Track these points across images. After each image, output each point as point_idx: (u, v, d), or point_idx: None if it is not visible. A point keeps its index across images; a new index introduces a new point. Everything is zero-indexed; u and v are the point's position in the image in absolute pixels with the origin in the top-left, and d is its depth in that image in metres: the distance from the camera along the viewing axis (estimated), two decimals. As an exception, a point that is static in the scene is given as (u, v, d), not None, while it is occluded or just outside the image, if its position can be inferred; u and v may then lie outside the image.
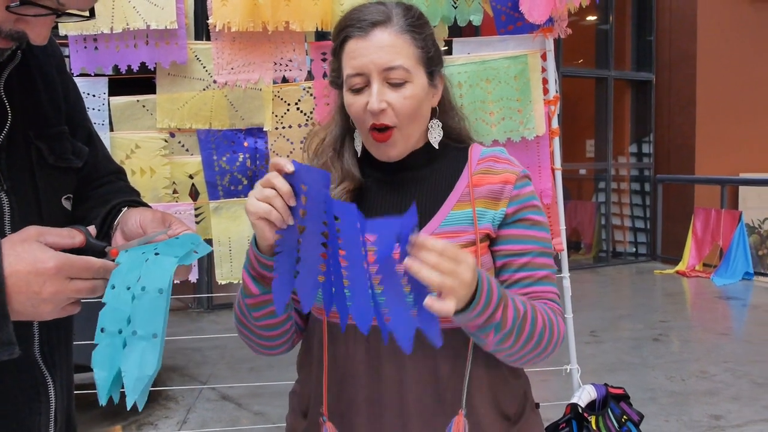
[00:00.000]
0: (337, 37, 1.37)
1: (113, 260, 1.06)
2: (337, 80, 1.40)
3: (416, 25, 1.35)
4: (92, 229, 1.11)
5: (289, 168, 1.13)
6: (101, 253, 1.10)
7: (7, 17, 1.05)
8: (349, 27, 1.34)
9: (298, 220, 1.16)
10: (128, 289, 1.03)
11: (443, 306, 1.09)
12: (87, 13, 1.13)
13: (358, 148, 1.43)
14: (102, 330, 1.03)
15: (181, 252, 1.07)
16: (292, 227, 1.16)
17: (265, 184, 1.15)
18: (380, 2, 1.38)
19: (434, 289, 1.09)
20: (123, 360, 1.01)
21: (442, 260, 1.09)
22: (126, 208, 1.25)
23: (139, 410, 1.00)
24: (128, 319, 1.02)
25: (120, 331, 1.02)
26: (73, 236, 1.06)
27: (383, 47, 1.30)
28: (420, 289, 1.11)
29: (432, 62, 1.37)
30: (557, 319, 1.34)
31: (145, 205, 1.32)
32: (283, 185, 1.14)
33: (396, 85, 1.31)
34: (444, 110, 1.45)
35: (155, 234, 1.13)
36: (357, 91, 1.33)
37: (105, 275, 1.04)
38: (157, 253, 1.07)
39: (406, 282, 1.12)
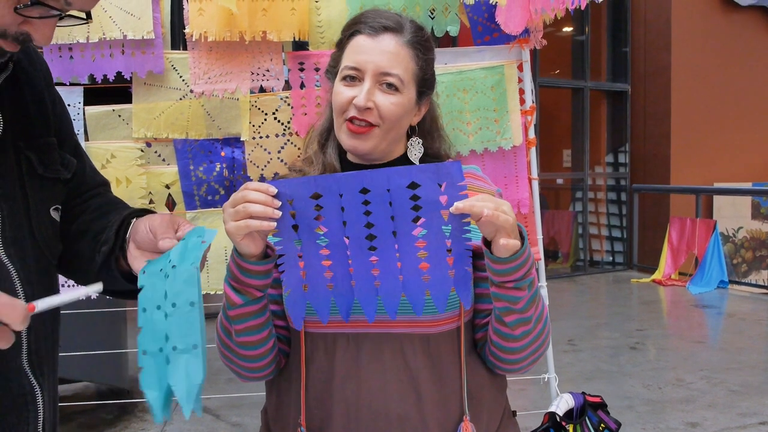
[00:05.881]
0: (347, 29, 1.42)
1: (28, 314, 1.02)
2: (333, 69, 1.44)
3: (423, 44, 1.42)
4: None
5: (272, 190, 1.18)
6: None
7: (13, 20, 1.06)
8: (361, 23, 1.40)
9: (293, 237, 1.20)
10: (159, 308, 1.05)
11: (510, 241, 1.17)
12: (84, 16, 1.14)
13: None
14: (144, 353, 1.04)
15: (194, 256, 1.08)
16: (291, 243, 1.20)
17: (237, 201, 1.19)
18: (397, 13, 1.44)
19: (491, 220, 1.15)
20: (170, 376, 1.03)
21: (492, 202, 1.16)
22: (134, 220, 1.26)
23: (199, 415, 1.02)
24: (166, 336, 1.04)
25: (161, 350, 1.04)
26: None
27: (386, 52, 1.36)
28: (460, 246, 1.18)
29: (425, 84, 1.43)
30: (548, 316, 1.39)
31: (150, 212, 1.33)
32: (256, 196, 1.17)
33: (386, 90, 1.36)
34: (426, 131, 1.49)
35: (71, 295, 1.08)
36: (348, 83, 1.38)
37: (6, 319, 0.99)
38: (174, 266, 1.07)
39: (448, 237, 1.18)
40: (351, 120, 1.36)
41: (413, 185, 1.17)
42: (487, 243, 1.21)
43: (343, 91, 1.38)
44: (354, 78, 1.37)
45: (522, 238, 1.21)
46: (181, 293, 1.04)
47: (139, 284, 1.08)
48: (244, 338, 1.31)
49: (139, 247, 1.20)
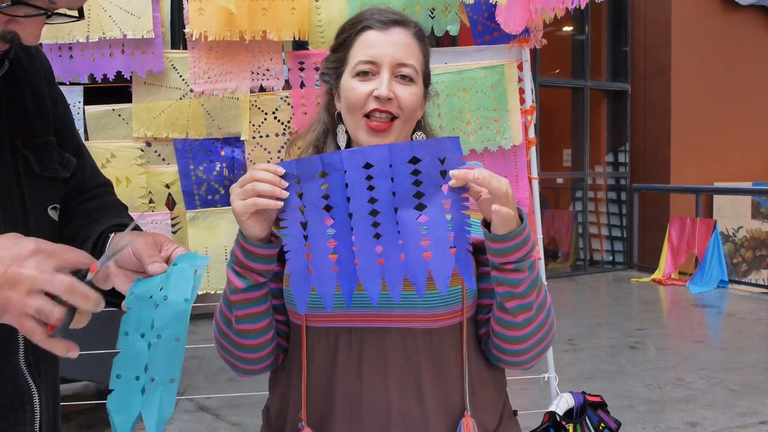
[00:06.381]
0: (352, 28, 1.42)
1: (89, 276, 1.03)
2: (336, 70, 1.43)
3: (424, 39, 1.45)
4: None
5: (280, 171, 1.18)
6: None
7: None
8: (368, 19, 1.40)
9: (300, 218, 1.20)
10: (143, 336, 1.04)
11: (503, 209, 1.16)
12: (76, 14, 1.12)
13: (342, 143, 1.44)
14: (118, 376, 1.04)
15: (188, 290, 1.07)
16: (296, 224, 1.20)
17: (246, 181, 1.19)
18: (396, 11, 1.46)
19: (487, 190, 1.15)
20: (143, 405, 1.03)
21: (486, 172, 1.17)
22: (113, 234, 1.24)
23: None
24: (145, 367, 1.03)
25: (137, 378, 1.03)
26: None
27: (399, 44, 1.38)
28: (460, 221, 1.18)
29: (427, 78, 1.46)
30: (551, 307, 1.38)
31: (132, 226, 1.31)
32: (264, 175, 1.18)
33: (402, 81, 1.37)
34: (424, 128, 1.50)
35: (118, 249, 1.07)
36: (363, 78, 1.38)
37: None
38: (165, 297, 1.06)
39: (448, 209, 1.19)
40: (369, 116, 1.36)
41: (414, 160, 1.18)
42: (488, 226, 1.22)
43: (358, 87, 1.37)
44: (367, 73, 1.37)
45: (521, 220, 1.22)
46: (168, 327, 1.03)
47: (125, 306, 1.06)
48: (243, 326, 1.31)
49: (121, 266, 1.16)
